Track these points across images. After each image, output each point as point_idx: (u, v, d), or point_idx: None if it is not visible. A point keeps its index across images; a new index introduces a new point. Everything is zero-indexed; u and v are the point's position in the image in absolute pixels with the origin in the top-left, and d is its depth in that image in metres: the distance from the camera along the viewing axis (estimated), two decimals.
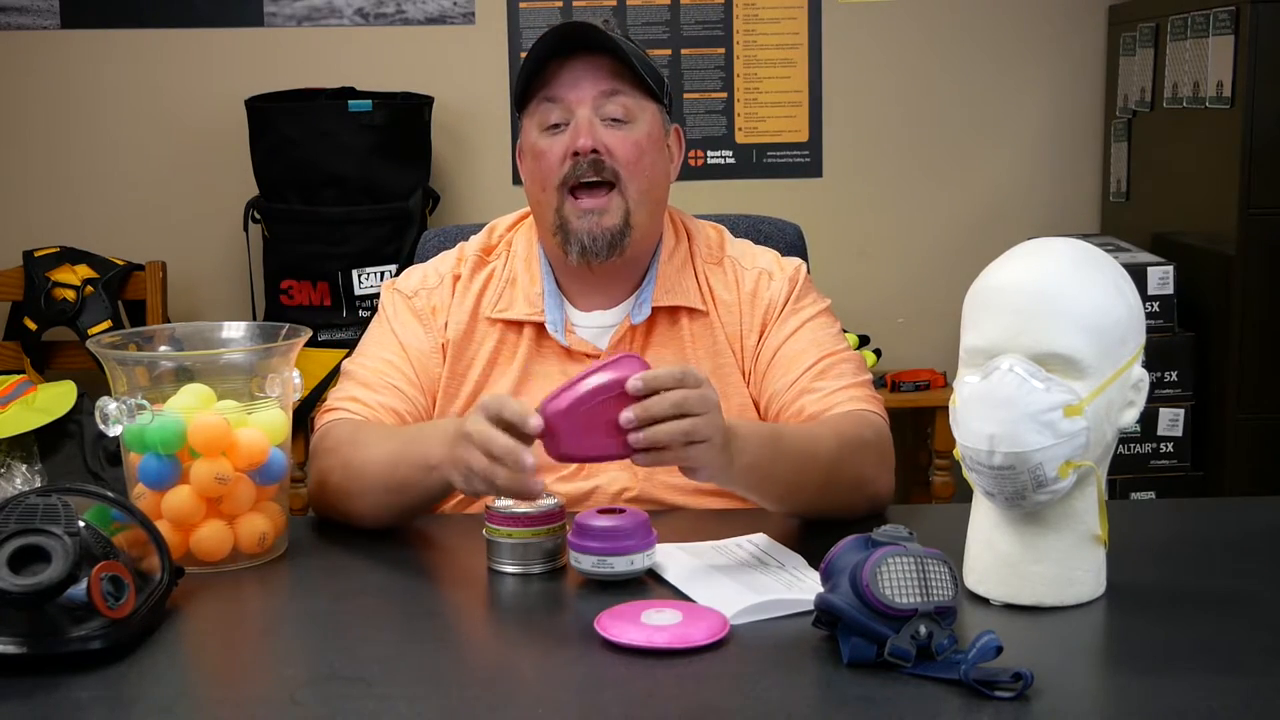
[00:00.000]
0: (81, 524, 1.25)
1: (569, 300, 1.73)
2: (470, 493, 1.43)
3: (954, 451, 1.32)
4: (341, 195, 3.26)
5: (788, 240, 1.98)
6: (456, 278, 1.76)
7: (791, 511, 1.58)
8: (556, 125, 1.66)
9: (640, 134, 1.67)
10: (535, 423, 1.31)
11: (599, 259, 1.66)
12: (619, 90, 1.66)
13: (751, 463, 1.44)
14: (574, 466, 1.68)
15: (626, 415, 1.30)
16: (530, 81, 1.68)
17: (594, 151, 1.64)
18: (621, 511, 1.40)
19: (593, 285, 1.73)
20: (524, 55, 1.69)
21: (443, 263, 1.79)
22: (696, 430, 1.32)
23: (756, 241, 1.86)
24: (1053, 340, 1.25)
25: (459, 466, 1.38)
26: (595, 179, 1.65)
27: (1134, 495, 3.07)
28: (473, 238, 1.81)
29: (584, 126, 1.64)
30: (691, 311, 1.73)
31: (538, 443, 1.34)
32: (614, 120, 1.66)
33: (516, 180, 3.36)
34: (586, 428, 1.32)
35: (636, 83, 1.67)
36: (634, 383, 1.31)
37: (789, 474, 1.51)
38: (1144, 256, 3.15)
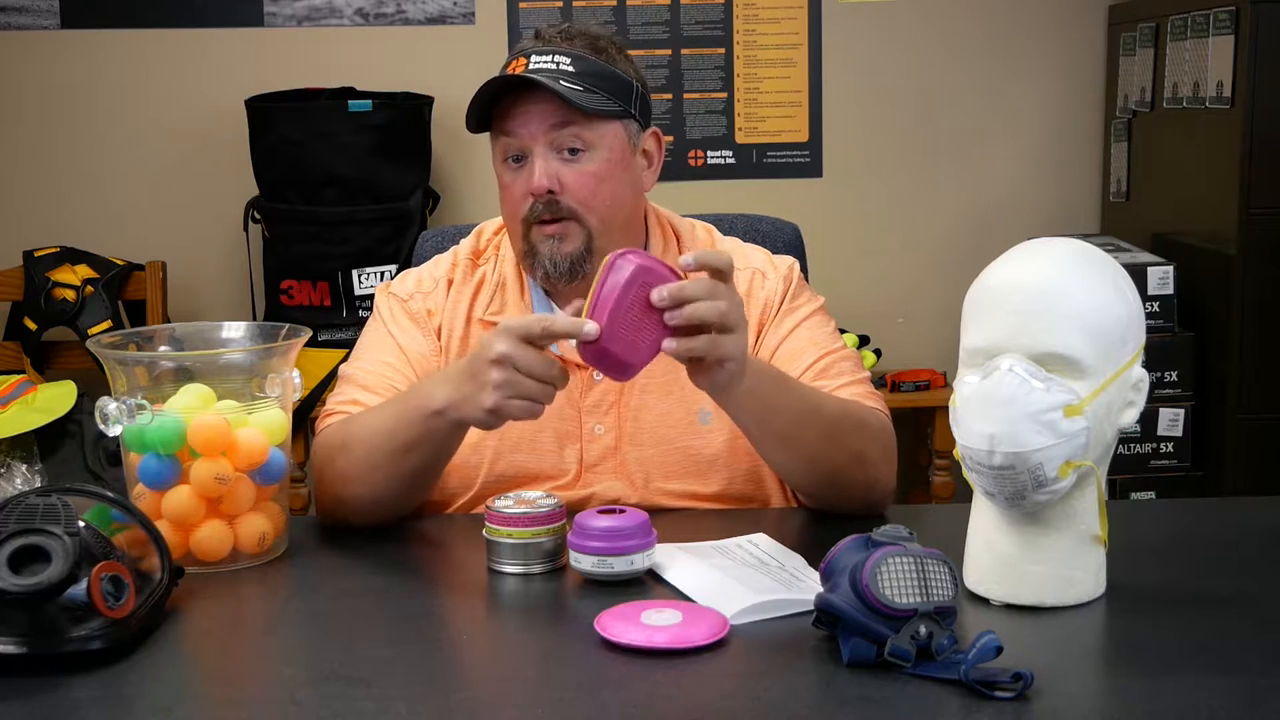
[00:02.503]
0: (81, 524, 1.25)
1: (559, 307, 1.73)
2: (491, 417, 1.42)
3: (954, 451, 1.32)
4: (341, 195, 3.26)
5: (786, 240, 1.98)
6: (450, 282, 1.76)
7: (790, 463, 1.59)
8: (518, 158, 1.66)
9: (598, 163, 1.64)
10: (592, 327, 1.35)
11: (562, 282, 1.66)
12: (571, 121, 1.63)
13: (758, 386, 1.47)
14: (571, 475, 1.68)
15: (660, 294, 1.34)
16: (487, 111, 1.66)
17: (550, 191, 1.63)
18: (621, 511, 1.40)
19: (581, 294, 1.72)
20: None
21: (436, 267, 1.78)
22: (729, 315, 1.36)
23: (754, 241, 1.85)
24: (1053, 340, 1.25)
25: (492, 391, 1.40)
26: (553, 217, 1.64)
27: (1134, 495, 3.07)
28: (462, 241, 1.81)
29: (538, 167, 1.63)
30: None
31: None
32: (571, 151, 1.64)
33: None
34: (629, 327, 1.35)
35: (591, 111, 1.64)
36: (658, 294, 1.34)
37: (793, 414, 1.53)
38: (1144, 256, 3.15)
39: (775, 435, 1.56)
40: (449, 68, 3.51)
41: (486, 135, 1.71)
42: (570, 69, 1.63)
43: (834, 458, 1.56)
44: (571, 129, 1.63)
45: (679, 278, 1.37)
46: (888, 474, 1.61)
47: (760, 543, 1.48)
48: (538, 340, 1.39)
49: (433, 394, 1.50)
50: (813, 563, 1.37)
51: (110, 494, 1.34)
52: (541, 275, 1.67)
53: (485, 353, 1.41)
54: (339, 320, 3.28)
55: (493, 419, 1.43)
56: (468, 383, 1.44)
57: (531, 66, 1.63)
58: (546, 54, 1.64)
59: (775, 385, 1.52)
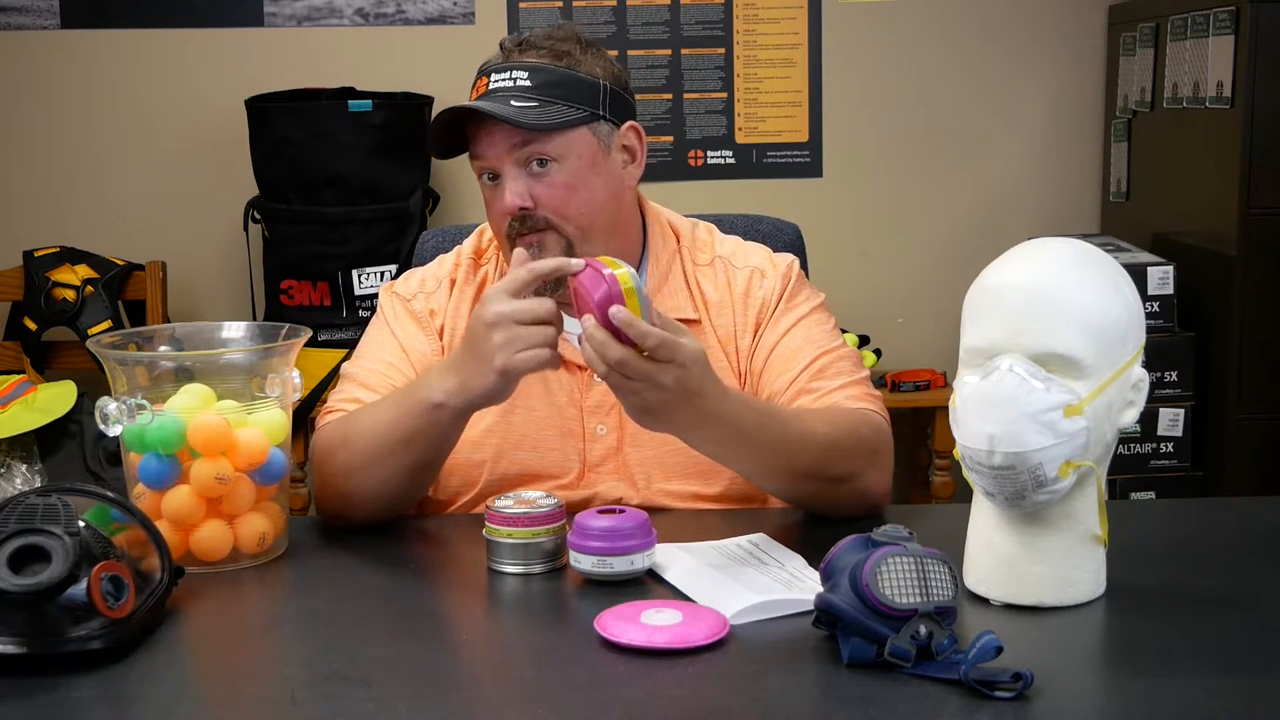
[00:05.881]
0: (81, 524, 1.25)
1: (561, 308, 1.73)
2: (502, 379, 1.45)
3: (954, 451, 1.32)
4: (341, 195, 3.26)
5: (786, 240, 1.98)
6: (453, 282, 1.76)
7: (766, 488, 1.62)
8: (493, 176, 1.66)
9: (567, 173, 1.64)
10: (578, 262, 1.41)
11: (549, 293, 1.64)
12: (531, 139, 1.62)
13: (718, 437, 1.49)
14: (573, 475, 1.69)
15: (584, 320, 1.39)
16: (455, 136, 1.66)
17: (523, 208, 1.63)
18: (621, 511, 1.40)
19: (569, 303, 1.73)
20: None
21: (440, 267, 1.79)
22: (618, 386, 1.41)
23: (755, 241, 1.85)
24: (1052, 340, 1.25)
25: (497, 354, 1.43)
26: (530, 230, 1.64)
27: (1134, 495, 3.07)
28: (465, 241, 1.81)
29: (508, 187, 1.63)
30: (683, 322, 1.71)
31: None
32: (541, 163, 1.63)
33: None
34: (580, 306, 1.42)
35: (546, 128, 1.63)
36: (592, 328, 1.38)
37: (761, 461, 1.55)
38: (1144, 256, 3.15)
39: (744, 471, 1.61)
40: (449, 68, 3.49)
41: None
42: (527, 83, 1.62)
43: (813, 487, 1.58)
44: (533, 146, 1.62)
45: (604, 279, 1.38)
46: (879, 481, 1.61)
47: (760, 543, 1.48)
48: (525, 287, 1.44)
49: (434, 385, 1.51)
50: (813, 563, 1.37)
51: (110, 494, 1.34)
52: (533, 289, 1.66)
53: (480, 322, 1.45)
54: (339, 320, 3.28)
55: (503, 380, 1.46)
56: (470, 363, 1.47)
57: (491, 86, 1.64)
58: (505, 70, 1.64)
59: (738, 437, 1.50)
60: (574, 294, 1.43)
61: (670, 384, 1.39)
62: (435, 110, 3.37)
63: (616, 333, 1.37)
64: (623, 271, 1.38)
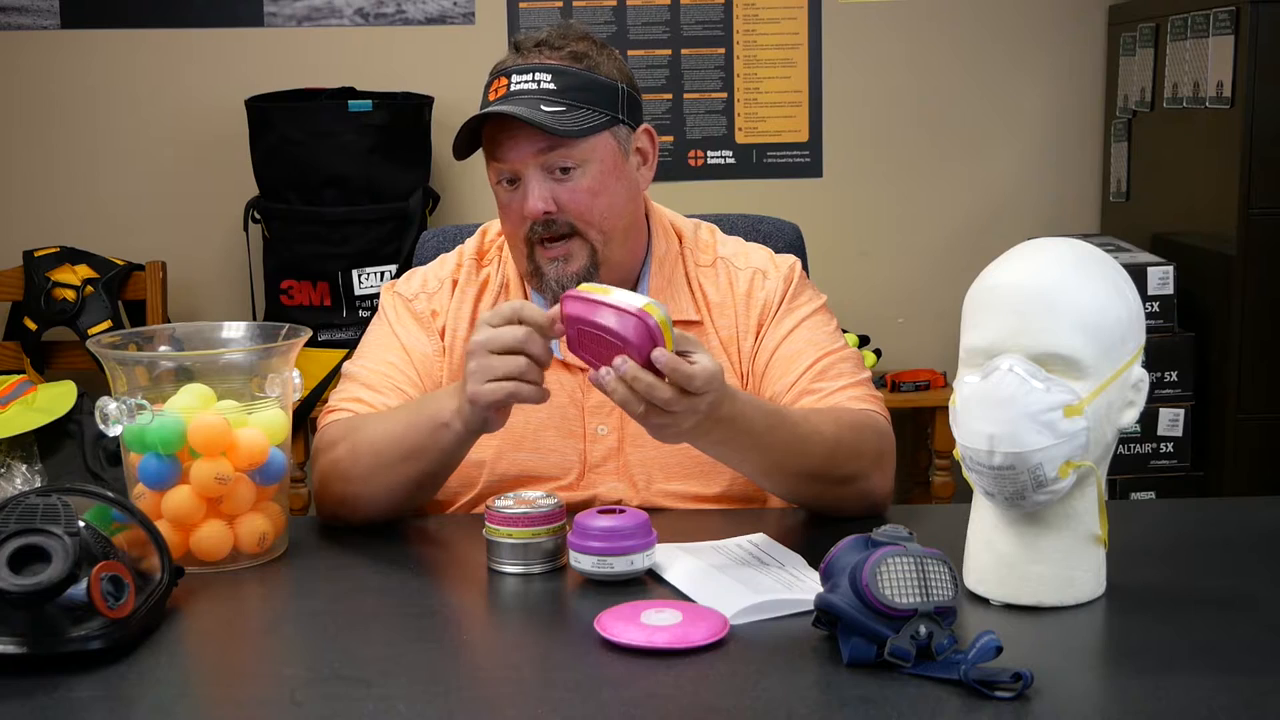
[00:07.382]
0: (81, 524, 1.25)
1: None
2: (473, 409, 1.45)
3: (954, 451, 1.32)
4: (341, 195, 3.26)
5: (786, 240, 1.98)
6: (455, 282, 1.76)
7: (772, 490, 1.62)
8: (512, 180, 1.65)
9: (590, 177, 1.63)
10: (560, 327, 1.40)
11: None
12: (558, 144, 1.61)
13: (727, 440, 1.48)
14: (573, 476, 1.69)
15: (618, 363, 1.34)
16: (475, 137, 1.66)
17: (546, 212, 1.62)
18: (621, 512, 1.40)
19: None
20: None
21: (442, 267, 1.78)
22: (654, 420, 1.38)
23: (755, 241, 1.85)
24: (1052, 340, 1.25)
25: (470, 381, 1.43)
26: (553, 236, 1.64)
27: (1134, 495, 3.07)
28: (468, 240, 1.81)
29: (532, 191, 1.62)
30: (685, 323, 1.71)
31: None
32: (563, 169, 1.62)
33: None
34: (584, 341, 1.39)
35: (576, 133, 1.62)
36: (636, 371, 1.34)
37: (768, 463, 1.55)
38: (1144, 256, 3.15)
39: (750, 473, 1.60)
40: (449, 68, 3.51)
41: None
42: (552, 86, 1.61)
43: (818, 488, 1.58)
44: (560, 151, 1.61)
45: (646, 323, 1.34)
46: (882, 483, 1.61)
47: (760, 543, 1.48)
48: (506, 322, 1.42)
49: (444, 405, 1.51)
50: (813, 563, 1.37)
51: (110, 494, 1.34)
52: (550, 297, 1.65)
53: (467, 350, 1.44)
54: (339, 320, 3.29)
55: (474, 410, 1.45)
56: (462, 389, 1.47)
57: (513, 88, 1.62)
58: (526, 72, 1.62)
59: (748, 440, 1.50)
60: (599, 332, 1.36)
61: (705, 410, 1.39)
62: (436, 110, 3.37)
63: (652, 368, 1.34)
64: (649, 303, 1.34)
